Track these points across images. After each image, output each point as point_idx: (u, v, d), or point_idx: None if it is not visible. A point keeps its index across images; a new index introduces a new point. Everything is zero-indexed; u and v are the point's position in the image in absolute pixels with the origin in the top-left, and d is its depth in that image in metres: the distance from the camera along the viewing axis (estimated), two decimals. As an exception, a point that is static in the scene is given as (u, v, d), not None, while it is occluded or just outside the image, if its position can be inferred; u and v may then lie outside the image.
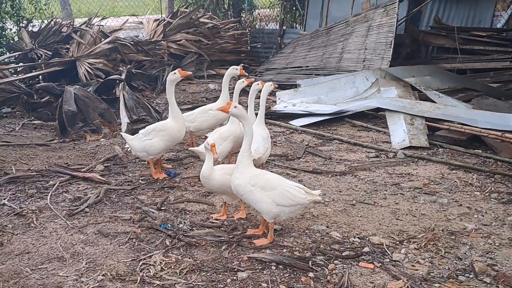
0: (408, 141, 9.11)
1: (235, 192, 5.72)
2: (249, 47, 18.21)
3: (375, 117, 10.84)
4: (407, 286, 4.85)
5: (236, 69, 8.55)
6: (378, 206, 6.75)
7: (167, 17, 16.78)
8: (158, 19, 16.79)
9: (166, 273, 5.06)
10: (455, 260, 5.40)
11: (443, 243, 5.70)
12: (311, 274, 5.05)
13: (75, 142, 9.46)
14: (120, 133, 8.43)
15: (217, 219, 6.20)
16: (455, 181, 7.63)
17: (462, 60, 13.43)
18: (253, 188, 5.54)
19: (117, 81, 11.58)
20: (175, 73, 7.56)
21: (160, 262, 5.20)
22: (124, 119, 9.84)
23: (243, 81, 7.93)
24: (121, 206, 6.64)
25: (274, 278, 4.99)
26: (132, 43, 14.35)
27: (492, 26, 14.41)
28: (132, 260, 5.30)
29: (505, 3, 14.30)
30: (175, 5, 19.20)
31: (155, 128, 7.51)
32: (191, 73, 8.85)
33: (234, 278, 4.98)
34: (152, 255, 5.36)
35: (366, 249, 5.55)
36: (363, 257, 5.41)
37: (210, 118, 8.59)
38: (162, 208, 6.55)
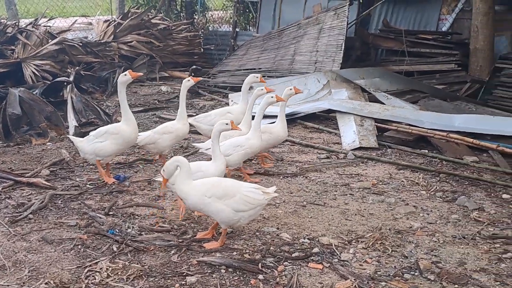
0: (358, 142, 9.24)
1: (192, 208, 5.72)
2: (202, 49, 18.17)
3: (326, 118, 10.95)
4: (355, 286, 4.92)
5: (257, 77, 8.56)
6: (328, 206, 6.83)
7: (117, 18, 16.62)
8: (109, 20, 16.62)
9: (112, 280, 4.99)
10: (401, 259, 5.50)
11: (390, 242, 5.80)
12: (260, 277, 5.07)
13: (20, 146, 9.26)
14: (68, 136, 8.27)
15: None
16: (402, 181, 7.78)
17: (410, 62, 13.68)
18: (210, 199, 5.48)
19: (65, 83, 11.39)
20: (125, 75, 7.53)
21: (107, 269, 5.13)
22: (72, 122, 9.68)
23: (262, 89, 7.90)
24: (67, 212, 6.52)
25: (224, 282, 4.99)
26: (80, 44, 14.16)
27: (437, 29, 14.71)
28: (77, 267, 5.21)
29: (449, 7, 14.63)
30: (126, 6, 19.01)
31: (108, 130, 7.41)
32: (142, 74, 8.80)
33: (183, 282, 4.96)
34: (99, 261, 5.29)
35: (316, 249, 5.60)
36: (312, 257, 5.45)
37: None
38: (110, 213, 6.46)
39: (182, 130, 7.95)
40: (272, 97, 7.52)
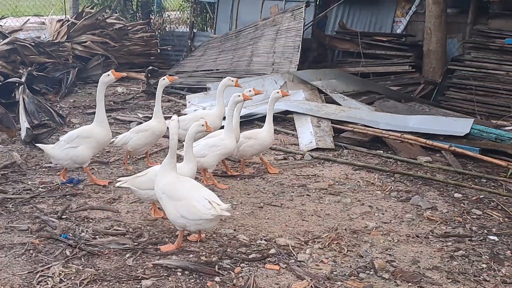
0: (315, 143, 9.30)
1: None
2: (158, 50, 18.00)
3: (283, 119, 10.99)
4: (311, 286, 4.96)
5: (232, 80, 8.44)
6: (285, 207, 6.86)
7: (71, 18, 16.29)
8: (62, 20, 16.29)
9: (65, 285, 4.89)
10: (357, 258, 5.56)
11: (345, 242, 5.88)
12: (217, 279, 5.06)
13: (-29, 148, 9.03)
14: (37, 145, 8.00)
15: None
16: (358, 181, 7.86)
17: (365, 64, 13.85)
18: (163, 195, 5.52)
19: (17, 84, 11.12)
20: (108, 75, 7.33)
21: (59, 274, 5.03)
22: (24, 124, 9.43)
23: (239, 95, 7.75)
24: (18, 216, 6.36)
25: (180, 285, 4.95)
26: (33, 44, 13.84)
27: (392, 31, 14.94)
28: (29, 272, 5.09)
29: (404, 10, 14.88)
30: (80, 5, 18.72)
31: (79, 134, 7.29)
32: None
33: (138, 286, 4.91)
34: (51, 266, 5.18)
35: (273, 250, 5.61)
36: (269, 259, 5.47)
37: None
38: (63, 216, 6.33)
39: (158, 128, 7.95)
40: (238, 95, 7.57)
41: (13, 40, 13.46)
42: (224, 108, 8.31)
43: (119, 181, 6.34)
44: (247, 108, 11.20)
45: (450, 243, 5.98)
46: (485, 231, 6.33)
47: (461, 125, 9.63)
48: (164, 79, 8.10)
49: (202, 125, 6.17)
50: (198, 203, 5.37)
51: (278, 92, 8.08)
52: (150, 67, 13.84)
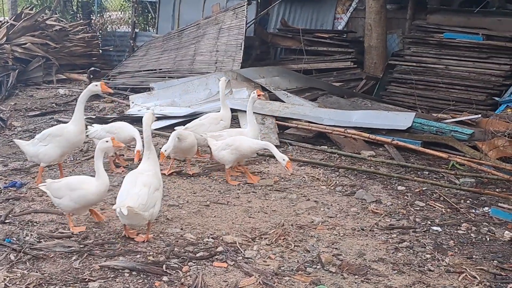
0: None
1: None
2: (100, 51, 17.81)
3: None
4: (259, 282, 4.99)
5: (96, 85, 7.61)
6: (231, 205, 6.89)
7: (10, 19, 15.98)
8: (1, 21, 15.95)
9: (11, 290, 4.82)
10: (304, 253, 5.63)
11: (292, 237, 5.94)
12: (165, 278, 5.05)
13: None
14: (14, 140, 7.86)
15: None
16: (304, 177, 7.96)
17: (308, 60, 13.97)
18: None
19: (-45, 88, 10.86)
20: (97, 85, 7.22)
21: (4, 279, 4.95)
22: (-36, 128, 9.24)
23: (254, 93, 8.05)
24: (-40, 222, 6.21)
25: (127, 285, 4.93)
26: (-30, 46, 13.53)
27: (333, 28, 15.15)
28: (-27, 278, 4.99)
29: (344, 7, 15.11)
30: (18, 7, 18.31)
31: (51, 133, 7.21)
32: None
33: (85, 288, 4.87)
34: (-5, 271, 5.09)
35: (220, 248, 5.63)
36: (217, 256, 5.49)
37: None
38: (7, 221, 6.21)
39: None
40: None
41: (-52, 43, 13.09)
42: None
43: (44, 184, 6.24)
44: (191, 108, 11.20)
45: (394, 235, 6.12)
46: (429, 222, 6.51)
47: (403, 119, 9.84)
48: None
49: (107, 141, 6.00)
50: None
51: (254, 93, 8.11)
52: (92, 68, 13.72)
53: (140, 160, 6.29)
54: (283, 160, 7.12)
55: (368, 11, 13.34)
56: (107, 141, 5.95)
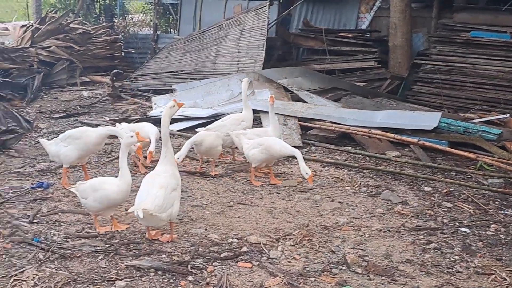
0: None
1: None
2: (123, 53, 17.95)
3: (250, 119, 10.98)
4: (284, 282, 4.96)
5: (132, 136, 7.57)
6: (255, 206, 6.86)
7: (35, 23, 16.15)
8: (26, 25, 16.14)
9: (39, 288, 4.86)
10: (329, 254, 5.59)
11: (317, 238, 5.89)
12: (190, 278, 5.04)
13: None
14: (39, 139, 7.95)
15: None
16: (327, 178, 7.91)
17: (331, 61, 13.91)
18: None
19: (-18, 91, 11.00)
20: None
21: (33, 277, 4.99)
22: (-9, 130, 9.34)
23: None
24: (-11, 222, 6.28)
25: (153, 285, 4.93)
26: (-3, 50, 13.70)
27: (357, 27, 15.06)
28: (3, 277, 5.04)
29: (368, 6, 15.02)
30: (43, 10, 18.50)
31: (71, 135, 7.26)
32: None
33: (112, 287, 4.87)
34: (24, 270, 5.13)
35: (244, 249, 5.61)
36: (241, 257, 5.46)
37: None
38: (35, 221, 6.26)
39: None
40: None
41: (-23, 47, 13.28)
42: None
43: (74, 186, 6.27)
44: (213, 109, 11.21)
45: (422, 236, 6.05)
46: (457, 223, 6.42)
47: (429, 119, 9.73)
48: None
49: (132, 136, 6.01)
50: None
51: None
52: (115, 70, 13.77)
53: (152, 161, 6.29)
54: (306, 173, 7.08)
55: (392, 10, 13.23)
56: (131, 136, 5.96)
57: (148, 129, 7.97)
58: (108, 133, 7.35)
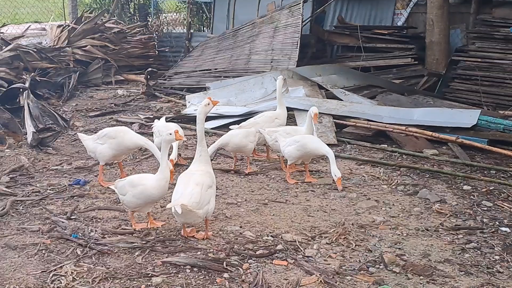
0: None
1: None
2: (157, 52, 18.02)
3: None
4: (320, 280, 4.92)
5: (284, 79, 7.94)
6: (290, 204, 6.83)
7: (71, 23, 16.35)
8: (62, 25, 16.35)
9: (78, 283, 4.92)
10: (366, 252, 5.53)
11: (353, 237, 5.84)
12: (226, 275, 5.04)
13: (-22, 154, 9.02)
14: (78, 133, 8.01)
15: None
16: (363, 176, 7.83)
17: (366, 58, 13.79)
18: None
19: (21, 90, 11.14)
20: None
21: (72, 272, 5.06)
22: (30, 128, 9.47)
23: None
24: (28, 218, 6.39)
25: (189, 281, 4.94)
26: (35, 50, 13.88)
27: (393, 24, 14.88)
28: (42, 272, 5.12)
29: (404, 2, 14.82)
30: (79, 10, 18.73)
31: (107, 133, 7.34)
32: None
33: (149, 283, 4.90)
34: (63, 265, 5.20)
35: (280, 246, 5.58)
36: (276, 254, 5.44)
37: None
38: (72, 217, 6.35)
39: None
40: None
41: (16, 47, 13.52)
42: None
43: (113, 184, 6.35)
44: (247, 106, 11.19)
45: (461, 236, 5.94)
46: (497, 222, 6.29)
47: (467, 117, 9.57)
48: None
49: (171, 134, 5.96)
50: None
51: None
52: (149, 69, 13.87)
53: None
54: (335, 175, 7.16)
55: (429, 6, 13.03)
56: (170, 134, 5.94)
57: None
58: (143, 146, 7.38)
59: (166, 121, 8.63)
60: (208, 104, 6.22)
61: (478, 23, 12.75)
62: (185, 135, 9.41)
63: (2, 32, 14.99)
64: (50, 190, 7.32)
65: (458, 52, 12.61)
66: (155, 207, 6.47)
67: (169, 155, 6.75)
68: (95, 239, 5.75)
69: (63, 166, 8.33)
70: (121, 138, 7.28)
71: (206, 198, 5.65)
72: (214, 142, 8.21)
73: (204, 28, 19.91)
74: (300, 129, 8.11)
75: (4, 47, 13.55)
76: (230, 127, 8.85)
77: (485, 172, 8.04)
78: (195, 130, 10.15)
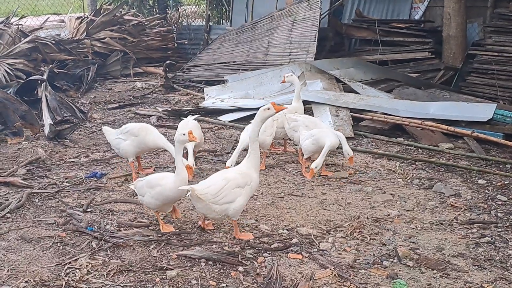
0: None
1: None
2: (175, 44, 18.08)
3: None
4: (335, 274, 4.95)
5: (184, 134, 7.19)
6: (305, 197, 6.86)
7: (90, 15, 16.42)
8: (81, 17, 16.43)
9: (92, 276, 4.98)
10: (380, 246, 5.55)
11: (368, 230, 5.86)
12: (240, 268, 5.09)
13: (-4, 146, 9.16)
14: (102, 126, 8.05)
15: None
16: (379, 170, 7.83)
17: (383, 51, 13.74)
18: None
19: (39, 82, 11.26)
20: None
21: (86, 265, 5.12)
22: (47, 120, 9.56)
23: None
24: (44, 210, 6.47)
25: (204, 275, 4.99)
26: (53, 42, 13.97)
27: (410, 18, 14.80)
28: (57, 264, 5.19)
29: (422, -5, 14.75)
30: (97, 2, 18.84)
31: (130, 130, 7.34)
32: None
33: (163, 277, 4.96)
34: (78, 258, 5.27)
35: (295, 240, 5.62)
36: (291, 248, 5.48)
37: None
38: (88, 210, 6.43)
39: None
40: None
41: (34, 39, 13.60)
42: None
43: (133, 184, 6.29)
44: (265, 99, 11.21)
45: (475, 230, 5.94)
46: (511, 217, 6.27)
47: (483, 111, 9.52)
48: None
49: (184, 134, 5.73)
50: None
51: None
52: (168, 61, 13.91)
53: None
54: (348, 154, 7.47)
55: (446, 0, 12.95)
56: (184, 134, 5.77)
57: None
58: (162, 147, 7.35)
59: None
60: (269, 109, 5.74)
61: (495, 17, 12.62)
62: (202, 128, 9.55)
63: (21, 24, 15.08)
64: (66, 182, 7.41)
65: (475, 46, 12.49)
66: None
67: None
68: (110, 232, 5.81)
69: (80, 159, 8.42)
70: (143, 137, 7.28)
71: (229, 196, 5.48)
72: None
73: (223, 21, 19.93)
74: (319, 123, 8.11)
75: (22, 38, 13.64)
76: (250, 121, 8.72)
77: (500, 166, 8.01)
78: (213, 123, 10.33)
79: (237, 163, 6.58)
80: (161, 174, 6.10)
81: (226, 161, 8.10)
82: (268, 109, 5.72)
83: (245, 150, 7.44)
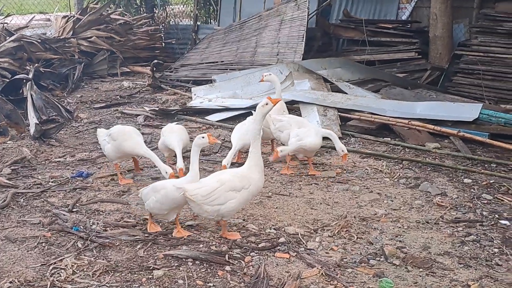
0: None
1: None
2: (163, 44, 18.05)
3: (289, 109, 10.82)
4: (322, 273, 4.96)
5: (203, 137, 7.22)
6: (293, 196, 6.86)
7: (76, 14, 16.34)
8: (67, 16, 16.34)
9: (78, 276, 4.95)
10: (367, 245, 5.56)
11: (355, 229, 5.88)
12: (228, 268, 5.08)
13: (-20, 145, 9.08)
14: (98, 129, 7.93)
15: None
16: (366, 169, 7.85)
17: (371, 51, 13.80)
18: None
19: (24, 81, 11.16)
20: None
21: (72, 265, 5.08)
22: (33, 120, 9.47)
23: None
24: (29, 210, 6.42)
25: (191, 274, 4.98)
26: (39, 41, 13.87)
27: (397, 18, 14.87)
28: (42, 265, 5.15)
29: (408, -4, 14.82)
30: (84, 1, 18.74)
31: (112, 133, 7.21)
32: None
33: (150, 276, 4.94)
34: (63, 258, 5.23)
35: (282, 239, 5.62)
36: (279, 247, 5.48)
37: None
38: (74, 210, 6.38)
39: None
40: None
41: (20, 37, 13.51)
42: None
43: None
44: (253, 99, 11.21)
45: (460, 229, 5.97)
46: (496, 215, 6.30)
47: (469, 110, 9.58)
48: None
49: (203, 137, 5.62)
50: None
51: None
52: (155, 61, 13.88)
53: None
54: (342, 151, 7.54)
55: (433, 1, 13.02)
56: (203, 137, 5.59)
57: (171, 139, 7.46)
58: (143, 155, 7.16)
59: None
60: (267, 104, 5.70)
61: (481, 18, 12.72)
62: (189, 127, 9.54)
63: (6, 23, 14.97)
64: (52, 182, 7.35)
65: (461, 47, 12.58)
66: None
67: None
68: (96, 232, 5.78)
69: (66, 158, 8.37)
70: (120, 142, 7.11)
71: (222, 198, 5.43)
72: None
73: (211, 21, 19.92)
74: (305, 122, 8.12)
75: (8, 37, 13.54)
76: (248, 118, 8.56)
77: (486, 165, 8.05)
78: (201, 123, 10.31)
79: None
80: (167, 180, 6.00)
81: (213, 161, 8.13)
82: (266, 104, 5.69)
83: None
